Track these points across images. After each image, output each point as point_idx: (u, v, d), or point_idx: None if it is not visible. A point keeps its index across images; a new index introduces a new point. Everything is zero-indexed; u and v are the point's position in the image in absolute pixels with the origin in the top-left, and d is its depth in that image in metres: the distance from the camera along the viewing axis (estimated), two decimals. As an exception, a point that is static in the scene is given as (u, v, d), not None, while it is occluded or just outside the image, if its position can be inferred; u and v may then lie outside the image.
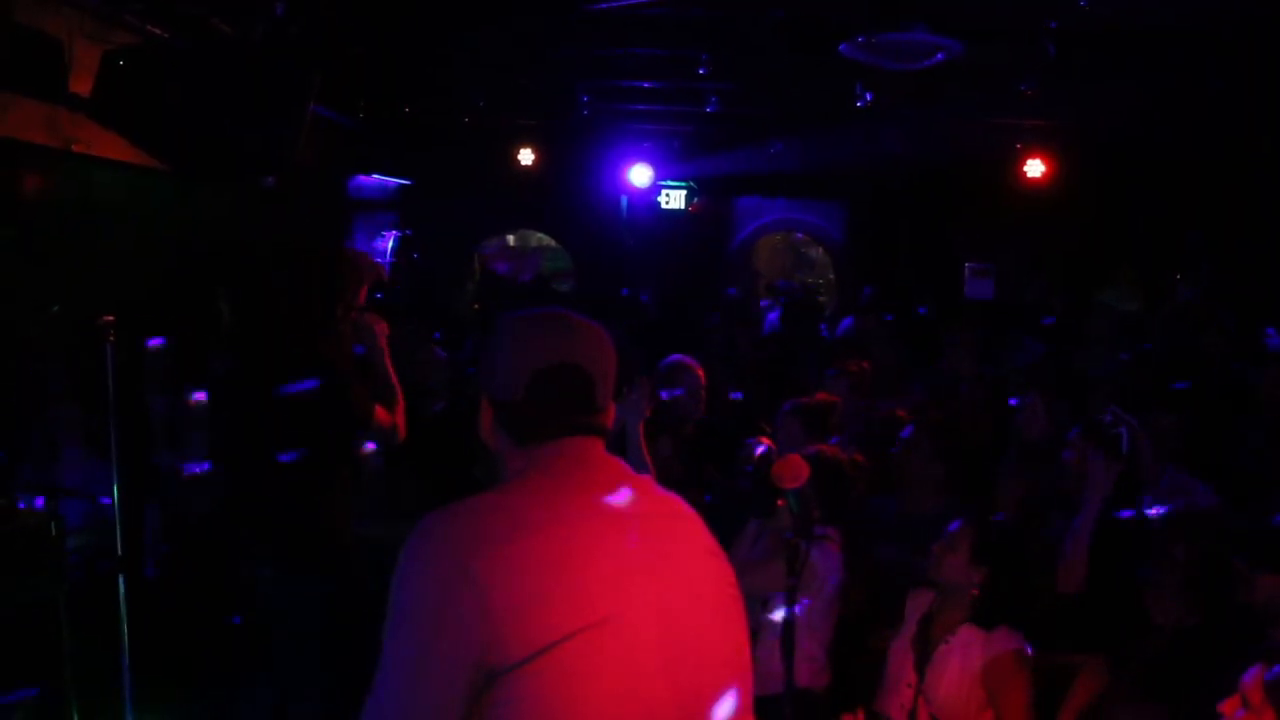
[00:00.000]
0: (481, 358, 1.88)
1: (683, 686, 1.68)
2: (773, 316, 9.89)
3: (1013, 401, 5.58)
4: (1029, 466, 4.63)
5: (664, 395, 4.47)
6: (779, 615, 3.22)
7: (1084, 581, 3.58)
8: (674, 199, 11.53)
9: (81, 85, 4.32)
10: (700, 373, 5.05)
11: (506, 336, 1.83)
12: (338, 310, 3.77)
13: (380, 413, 3.81)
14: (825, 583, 3.56)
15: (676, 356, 5.09)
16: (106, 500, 3.80)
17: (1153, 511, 3.91)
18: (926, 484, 4.23)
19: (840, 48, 5.31)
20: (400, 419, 3.93)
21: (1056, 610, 3.63)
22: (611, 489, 1.76)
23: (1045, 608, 3.56)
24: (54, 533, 3.86)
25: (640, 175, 10.65)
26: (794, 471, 3.38)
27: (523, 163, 10.19)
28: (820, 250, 14.38)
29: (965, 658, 3.24)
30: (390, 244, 10.51)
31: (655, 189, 11.18)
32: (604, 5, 5.08)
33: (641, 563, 1.70)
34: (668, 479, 2.77)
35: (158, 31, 4.63)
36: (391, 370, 3.96)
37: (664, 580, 1.71)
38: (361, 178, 9.50)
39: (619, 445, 4.06)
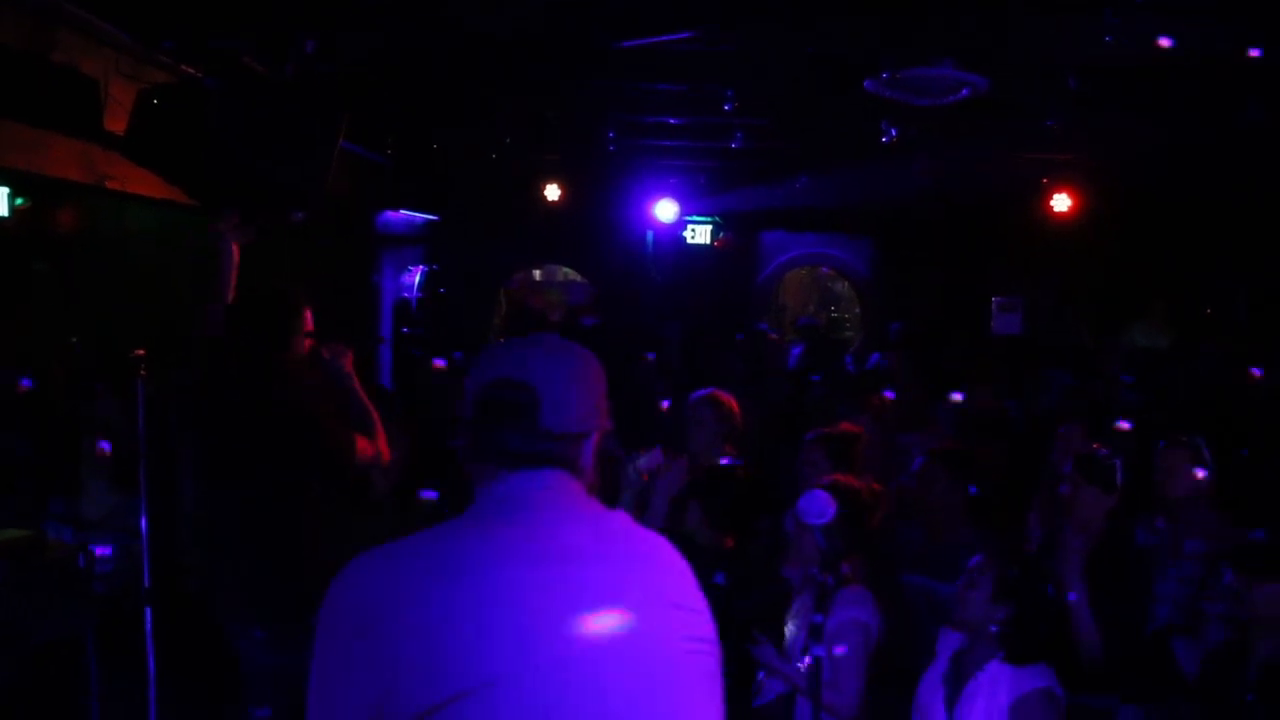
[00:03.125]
0: None
1: None
2: (796, 352, 9.89)
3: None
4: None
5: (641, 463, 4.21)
6: (806, 661, 3.19)
7: (1100, 649, 3.51)
8: (699, 234, 11.57)
9: (116, 123, 4.39)
10: (733, 407, 5.01)
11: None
12: (290, 345, 3.72)
13: (362, 444, 3.76)
14: (863, 634, 3.51)
15: (707, 390, 5.07)
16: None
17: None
18: (948, 513, 4.21)
19: (865, 83, 5.33)
20: (382, 443, 3.88)
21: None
22: (555, 531, 1.65)
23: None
24: (82, 565, 3.89)
25: (666, 210, 10.69)
26: (820, 507, 3.36)
27: (549, 198, 10.24)
28: (846, 285, 14.36)
29: (992, 695, 3.18)
30: (417, 279, 10.58)
31: (681, 224, 11.23)
32: (630, 43, 5.12)
33: (569, 615, 1.57)
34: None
35: (191, 70, 4.71)
36: (362, 393, 3.92)
37: (597, 635, 1.58)
38: (389, 213, 9.59)
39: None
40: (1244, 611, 3.02)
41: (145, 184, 4.73)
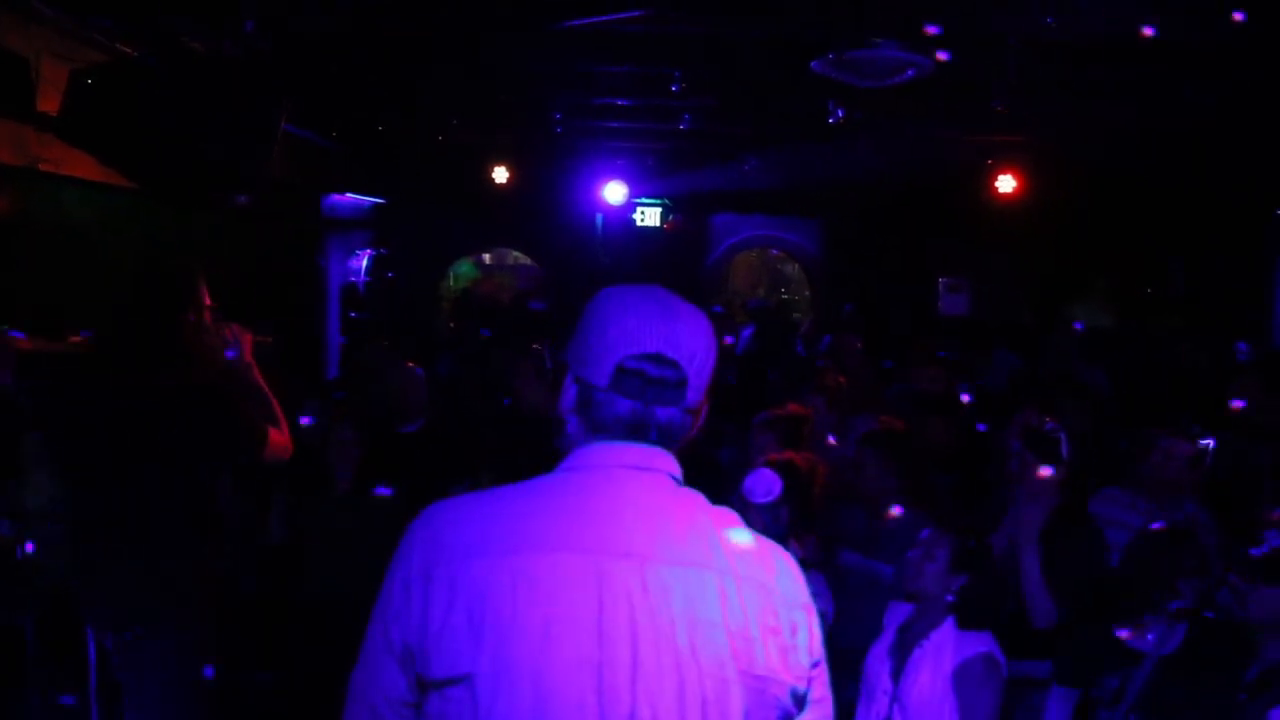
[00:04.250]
0: (573, 330, 1.71)
1: None
2: (746, 334, 9.93)
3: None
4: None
5: None
6: None
7: (1054, 613, 3.56)
8: (649, 216, 11.58)
9: (49, 104, 4.28)
10: None
11: (600, 312, 1.66)
12: (183, 322, 3.52)
13: (274, 434, 3.60)
14: (822, 621, 3.53)
15: None
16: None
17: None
18: (883, 494, 4.26)
19: (811, 65, 5.34)
20: (285, 436, 3.70)
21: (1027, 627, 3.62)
22: (627, 519, 1.56)
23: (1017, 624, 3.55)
24: (20, 557, 3.81)
25: (615, 193, 10.67)
26: (766, 486, 3.37)
27: (497, 180, 10.18)
28: (796, 266, 14.44)
29: (937, 661, 3.24)
30: (364, 263, 10.48)
31: (630, 206, 11.22)
32: (576, 22, 5.08)
33: (606, 616, 1.50)
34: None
35: (127, 50, 4.60)
36: (263, 383, 3.74)
37: (623, 641, 1.49)
38: (335, 196, 9.48)
39: None
40: (1243, 608, 3.06)
41: (82, 166, 4.62)
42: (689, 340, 1.63)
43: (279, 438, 3.66)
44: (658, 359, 1.61)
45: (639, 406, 1.61)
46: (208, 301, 3.61)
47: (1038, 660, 3.58)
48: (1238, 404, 5.26)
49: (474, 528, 1.55)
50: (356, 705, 1.59)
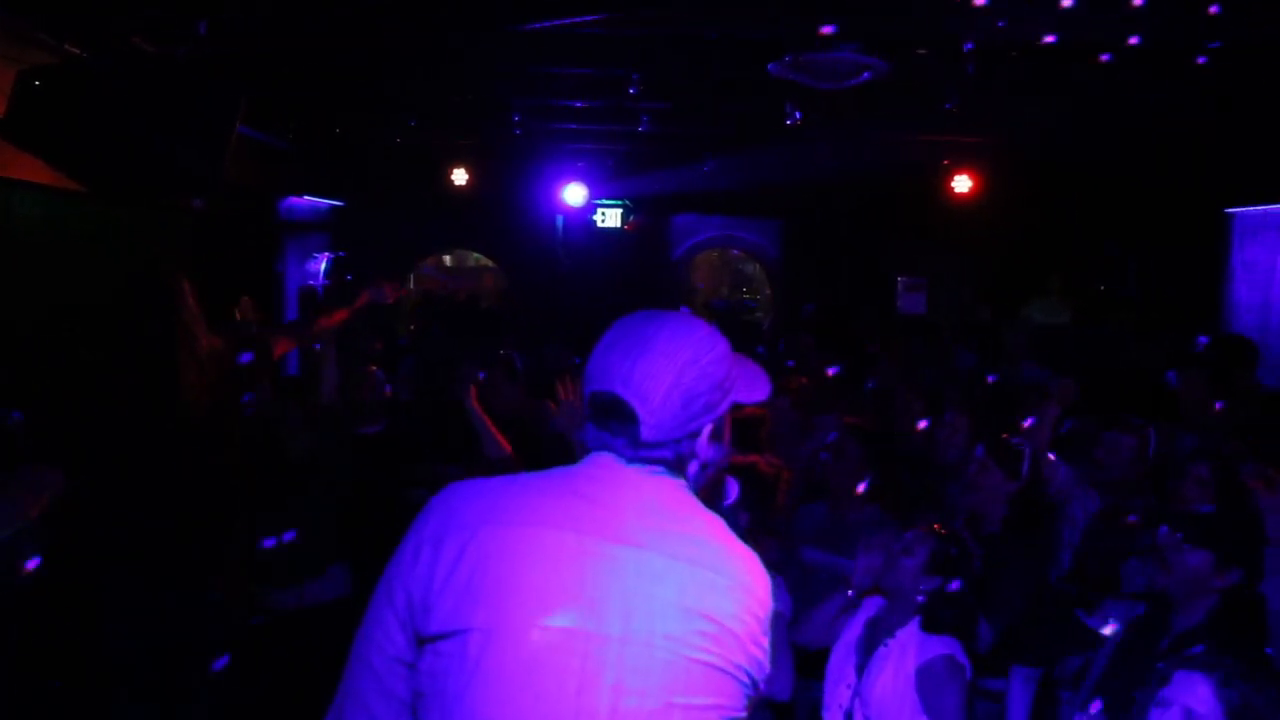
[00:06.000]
0: None
1: None
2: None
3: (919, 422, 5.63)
4: (947, 485, 4.68)
5: None
6: None
7: (990, 638, 3.59)
8: (609, 217, 11.56)
9: (-5, 107, 4.21)
10: None
11: (596, 343, 1.85)
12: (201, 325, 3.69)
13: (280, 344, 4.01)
14: (783, 624, 3.54)
15: None
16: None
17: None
18: (854, 490, 4.28)
19: (769, 67, 5.37)
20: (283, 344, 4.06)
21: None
22: (621, 512, 1.71)
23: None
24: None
25: (575, 194, 10.66)
26: (723, 489, 3.37)
27: (456, 182, 10.15)
28: (757, 266, 14.49)
29: (900, 660, 3.26)
30: (323, 266, 10.38)
31: (590, 208, 11.20)
32: (535, 25, 5.07)
33: (593, 593, 1.64)
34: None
35: (76, 51, 4.53)
36: (283, 341, 4.14)
37: (607, 619, 1.63)
38: (293, 199, 9.39)
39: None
40: (1167, 574, 3.09)
41: (30, 170, 4.55)
42: (643, 382, 1.75)
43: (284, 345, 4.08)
44: (611, 396, 1.76)
45: (607, 435, 1.78)
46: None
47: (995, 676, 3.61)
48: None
49: (486, 502, 1.72)
50: (357, 664, 1.73)
